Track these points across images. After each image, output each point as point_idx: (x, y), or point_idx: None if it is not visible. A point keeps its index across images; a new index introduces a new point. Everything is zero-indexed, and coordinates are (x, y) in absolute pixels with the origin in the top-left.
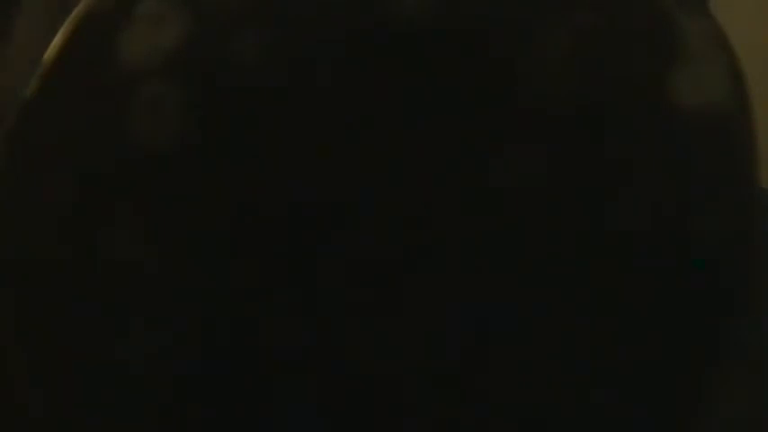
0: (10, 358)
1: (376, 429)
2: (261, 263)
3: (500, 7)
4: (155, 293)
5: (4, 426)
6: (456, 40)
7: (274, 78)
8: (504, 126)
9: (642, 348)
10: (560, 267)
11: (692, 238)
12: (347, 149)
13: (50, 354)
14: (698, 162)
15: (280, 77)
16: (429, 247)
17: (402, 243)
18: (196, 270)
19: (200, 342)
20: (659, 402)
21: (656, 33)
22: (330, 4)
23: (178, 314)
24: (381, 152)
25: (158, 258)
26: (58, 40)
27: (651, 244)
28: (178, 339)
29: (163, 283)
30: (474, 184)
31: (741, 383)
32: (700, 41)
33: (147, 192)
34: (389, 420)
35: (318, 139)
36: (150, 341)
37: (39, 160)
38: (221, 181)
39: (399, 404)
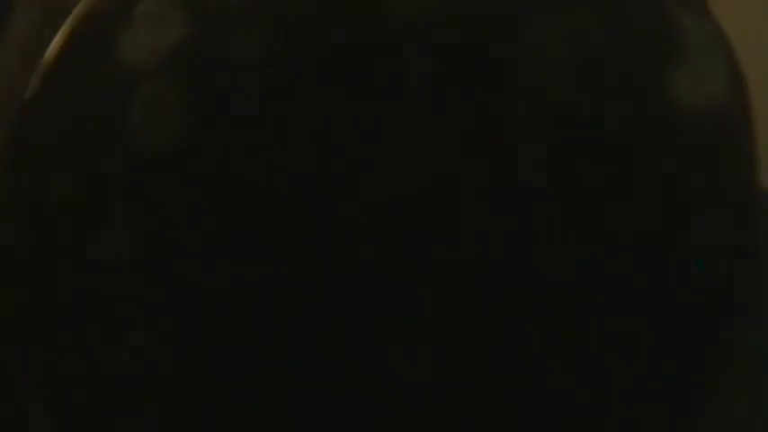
0: (10, 358)
1: None
2: (260, 262)
3: (500, 7)
4: (154, 294)
5: (5, 426)
6: (456, 40)
7: (274, 78)
8: (504, 126)
9: (642, 349)
10: (560, 269)
11: (692, 237)
12: (347, 149)
13: (50, 354)
14: (698, 162)
15: (279, 77)
16: (429, 248)
17: (402, 242)
18: (196, 270)
19: (200, 342)
20: (660, 403)
21: (656, 33)
22: (330, 4)
23: (178, 314)
24: (381, 152)
25: (158, 259)
26: (57, 40)
27: (650, 244)
28: (178, 339)
29: (163, 283)
30: (474, 185)
31: (741, 384)
32: (700, 41)
33: (146, 191)
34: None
35: (318, 139)
36: (150, 341)
37: (38, 160)
38: (221, 180)
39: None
